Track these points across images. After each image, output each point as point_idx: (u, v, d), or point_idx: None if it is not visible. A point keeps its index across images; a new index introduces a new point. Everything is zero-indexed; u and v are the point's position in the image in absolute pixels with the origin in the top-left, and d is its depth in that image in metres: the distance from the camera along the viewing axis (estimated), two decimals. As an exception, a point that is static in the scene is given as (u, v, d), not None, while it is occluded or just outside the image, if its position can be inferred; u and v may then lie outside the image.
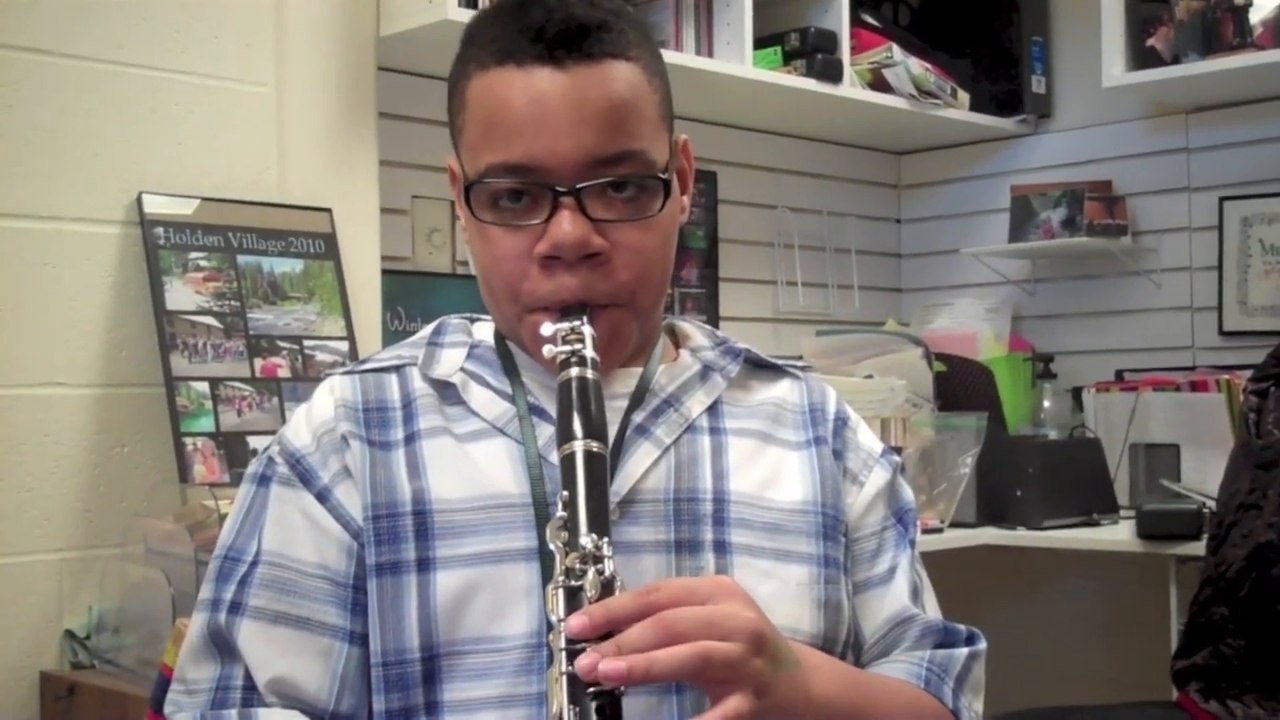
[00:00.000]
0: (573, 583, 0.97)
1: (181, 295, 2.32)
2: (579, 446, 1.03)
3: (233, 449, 2.25)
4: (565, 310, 1.11)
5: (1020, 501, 3.09)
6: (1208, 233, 3.53)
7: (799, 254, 3.76)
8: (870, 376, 3.28)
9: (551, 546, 0.99)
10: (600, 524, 0.99)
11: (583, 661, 0.91)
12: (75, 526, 2.24)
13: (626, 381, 1.18)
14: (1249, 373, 2.73)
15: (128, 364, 2.30)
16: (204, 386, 2.28)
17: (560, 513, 1.00)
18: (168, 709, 1.13)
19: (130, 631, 2.11)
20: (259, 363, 2.35)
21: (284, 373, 2.37)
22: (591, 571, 0.97)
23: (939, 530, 2.99)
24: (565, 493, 1.01)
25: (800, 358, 3.48)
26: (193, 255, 2.35)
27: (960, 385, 3.36)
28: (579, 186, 1.10)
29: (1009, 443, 3.22)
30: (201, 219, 2.38)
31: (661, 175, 1.13)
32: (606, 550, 0.98)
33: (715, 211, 3.59)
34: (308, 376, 2.38)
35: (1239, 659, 2.50)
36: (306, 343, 2.42)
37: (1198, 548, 2.74)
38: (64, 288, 2.26)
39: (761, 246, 3.71)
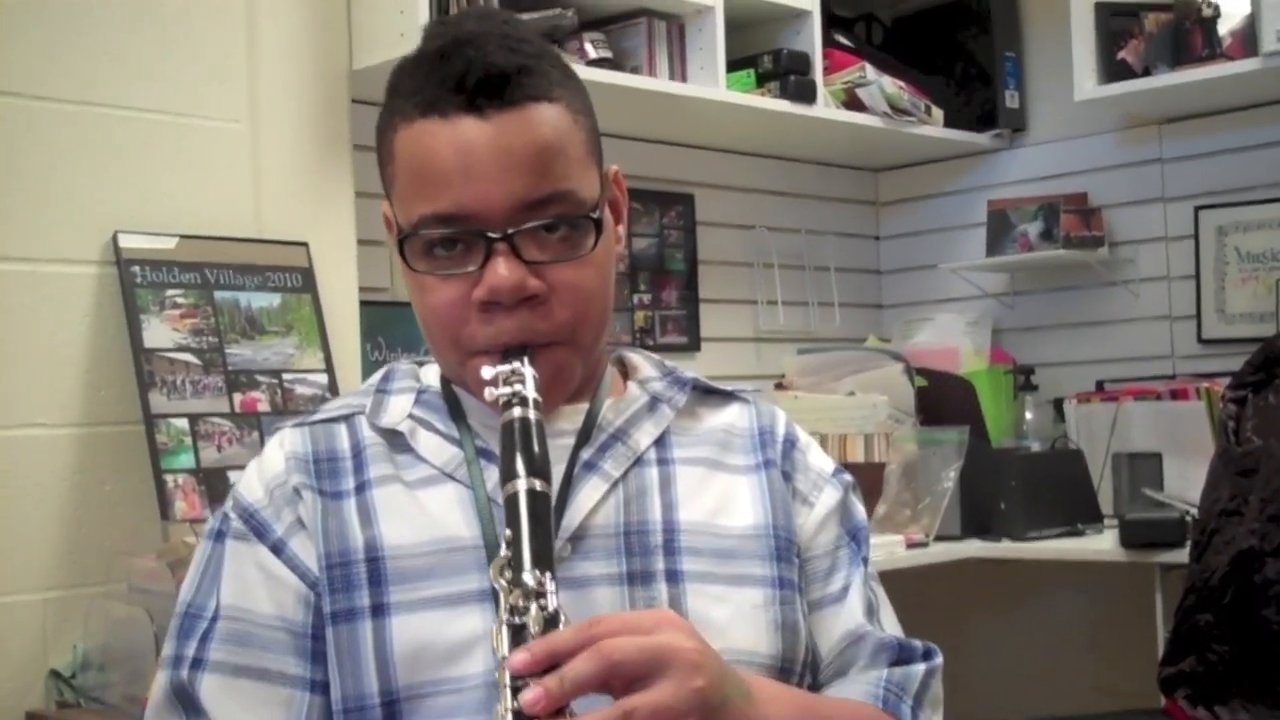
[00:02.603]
0: (516, 620, 0.98)
1: (159, 333, 2.32)
2: (522, 485, 1.04)
3: (213, 484, 2.25)
4: (506, 352, 1.12)
5: (1004, 513, 3.09)
6: (1184, 242, 3.55)
7: (778, 273, 3.78)
8: (852, 393, 3.30)
9: (495, 585, 1.00)
10: (544, 561, 1.00)
11: (526, 697, 0.92)
12: (58, 566, 2.24)
13: (573, 418, 1.20)
14: (1228, 380, 2.75)
15: (107, 402, 2.31)
16: (183, 423, 2.29)
17: (504, 551, 1.01)
18: None
19: (115, 669, 2.11)
20: (238, 398, 2.36)
21: (264, 407, 2.38)
22: (534, 608, 0.98)
23: (924, 545, 2.99)
24: (509, 531, 1.02)
25: (782, 376, 3.50)
26: (169, 292, 2.36)
27: (942, 399, 3.38)
28: (511, 232, 1.11)
29: (991, 455, 3.24)
30: (178, 256, 2.39)
31: (592, 214, 1.14)
32: (550, 586, 0.99)
33: (694, 233, 3.61)
34: (287, 410, 2.38)
35: (1225, 665, 2.51)
36: (286, 376, 2.43)
37: (1182, 555, 2.75)
38: (42, 328, 2.27)
39: (741, 267, 3.73)
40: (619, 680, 0.94)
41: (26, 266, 2.27)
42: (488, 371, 1.11)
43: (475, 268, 1.12)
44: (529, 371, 1.11)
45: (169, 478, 2.23)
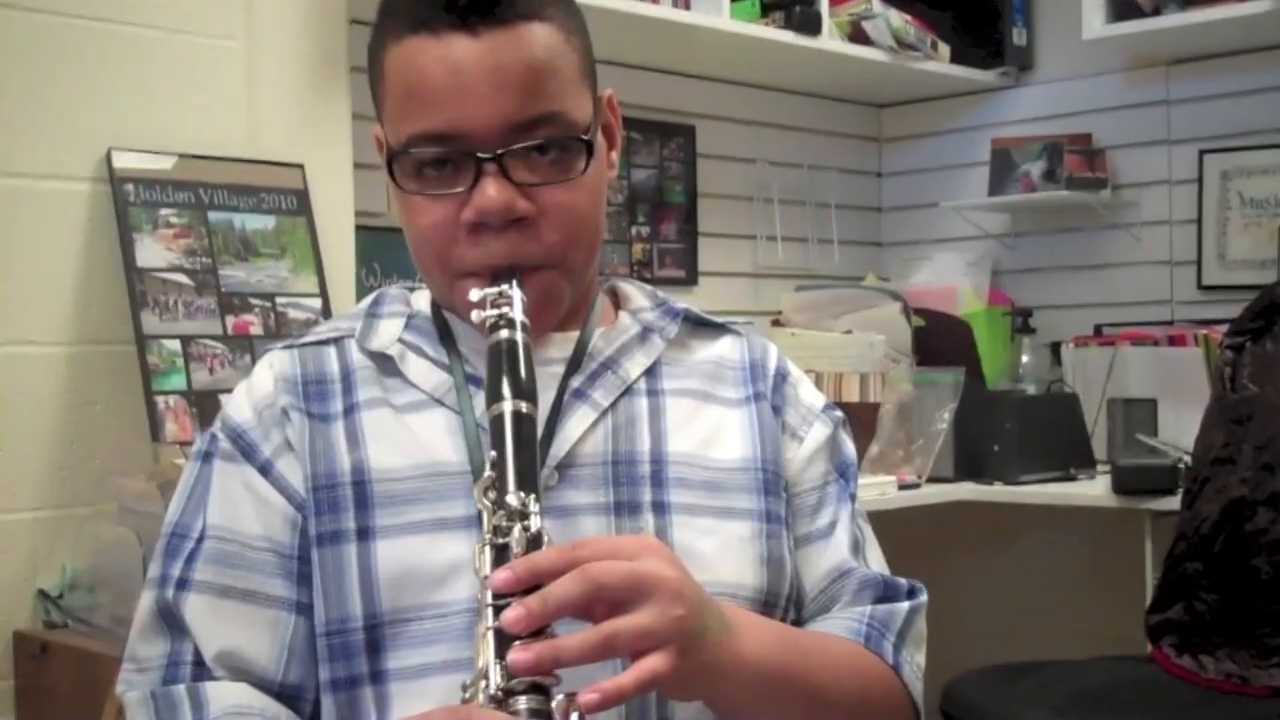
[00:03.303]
0: (499, 540, 0.97)
1: (152, 252, 2.30)
2: (507, 407, 1.03)
3: (204, 407, 2.24)
4: (495, 275, 1.11)
5: (997, 456, 3.09)
6: (1187, 186, 3.52)
7: (779, 208, 3.75)
8: (849, 332, 3.29)
9: (479, 506, 1.00)
10: (528, 482, 1.00)
11: (508, 615, 0.92)
12: (48, 486, 2.23)
13: (563, 346, 1.19)
14: (1227, 327, 2.74)
15: (98, 322, 2.29)
16: (175, 344, 2.27)
17: (489, 473, 1.01)
18: (119, 688, 1.14)
19: (103, 590, 2.11)
20: (231, 320, 2.34)
21: (256, 330, 2.36)
22: (518, 528, 0.97)
23: (916, 485, 2.99)
24: (494, 453, 1.01)
25: (779, 313, 3.48)
26: (163, 212, 2.34)
27: (939, 340, 3.36)
28: (500, 152, 1.09)
29: (987, 397, 3.23)
30: (172, 175, 2.36)
31: (584, 136, 1.13)
32: (534, 508, 0.99)
33: (694, 166, 3.58)
34: (280, 333, 2.37)
35: (1212, 614, 2.52)
36: (279, 299, 2.41)
37: (1173, 503, 2.76)
38: (33, 246, 2.24)
39: (741, 201, 3.70)
40: (601, 604, 0.94)
41: (18, 182, 2.24)
42: (475, 294, 1.11)
43: (464, 188, 1.11)
44: (517, 294, 1.10)
45: (160, 399, 2.22)
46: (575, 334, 1.19)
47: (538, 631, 0.92)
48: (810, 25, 3.25)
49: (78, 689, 2.04)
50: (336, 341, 1.21)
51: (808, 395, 1.27)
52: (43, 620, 2.19)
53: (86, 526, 2.19)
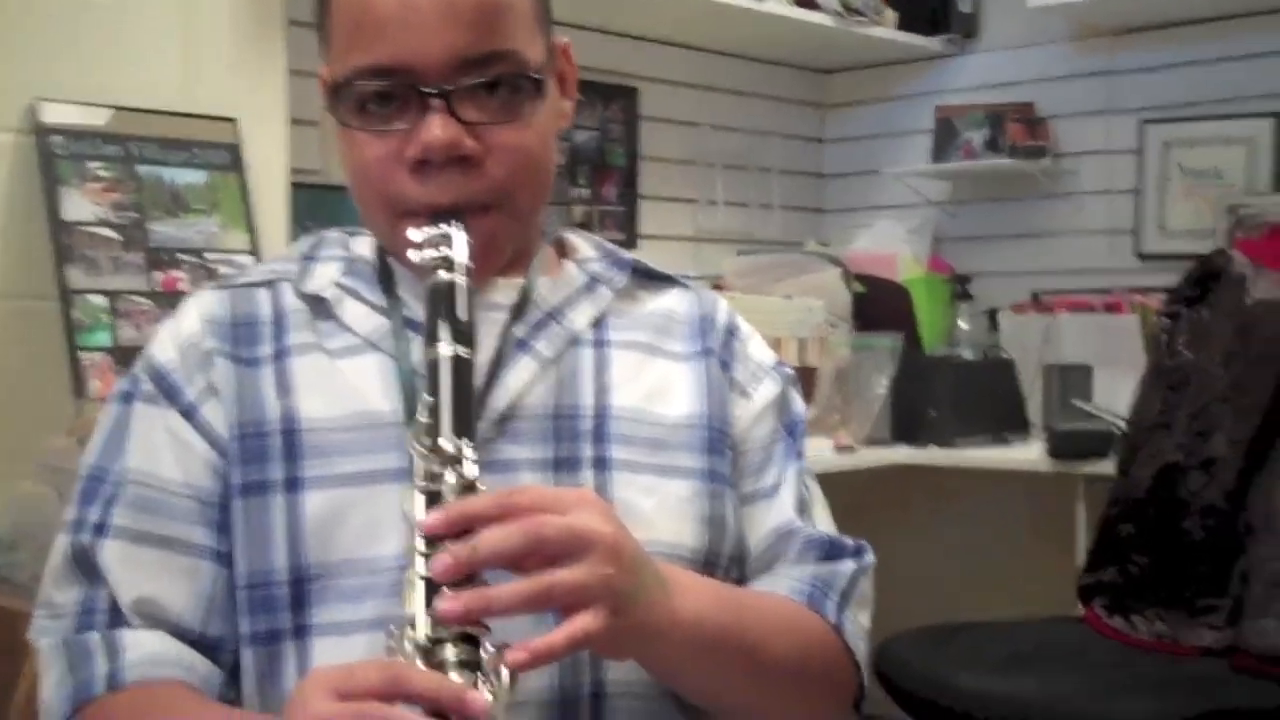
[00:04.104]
0: (432, 486, 0.94)
1: (79, 206, 2.25)
2: (444, 351, 1.00)
3: (130, 364, 2.18)
4: (437, 215, 1.07)
5: (934, 421, 3.10)
6: (1128, 156, 3.54)
7: (720, 172, 3.73)
8: (789, 297, 3.28)
9: (411, 452, 0.96)
10: (463, 428, 0.96)
11: (436, 562, 0.89)
12: (-31, 444, 2.18)
13: (507, 293, 1.15)
14: (1165, 295, 2.75)
15: (20, 276, 2.23)
16: (102, 300, 2.22)
17: (423, 417, 0.97)
18: (32, 634, 1.10)
19: (23, 548, 2.06)
20: (159, 276, 2.29)
21: (185, 286, 2.30)
22: (451, 474, 0.94)
23: (852, 449, 2.99)
24: (428, 397, 0.98)
25: (720, 277, 3.47)
26: (91, 165, 2.28)
27: (878, 306, 3.37)
28: (449, 88, 1.06)
29: (924, 363, 3.24)
30: (100, 128, 2.30)
31: (534, 75, 1.09)
32: (469, 454, 0.95)
33: (636, 128, 3.55)
34: (211, 290, 2.32)
35: (1144, 576, 2.54)
36: (209, 256, 2.36)
37: (1107, 467, 2.78)
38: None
39: (682, 165, 3.68)
40: (534, 557, 0.91)
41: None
42: (415, 234, 1.07)
43: (409, 125, 1.07)
44: (459, 235, 1.06)
45: (84, 355, 2.17)
46: (519, 281, 1.15)
47: (469, 579, 0.89)
48: (757, -13, 3.23)
49: (1, 644, 2.00)
50: (270, 284, 1.16)
51: (757, 351, 1.24)
52: (-36, 581, 2.14)
53: (7, 484, 2.14)
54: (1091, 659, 2.45)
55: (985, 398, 3.17)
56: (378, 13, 1.05)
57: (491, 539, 0.89)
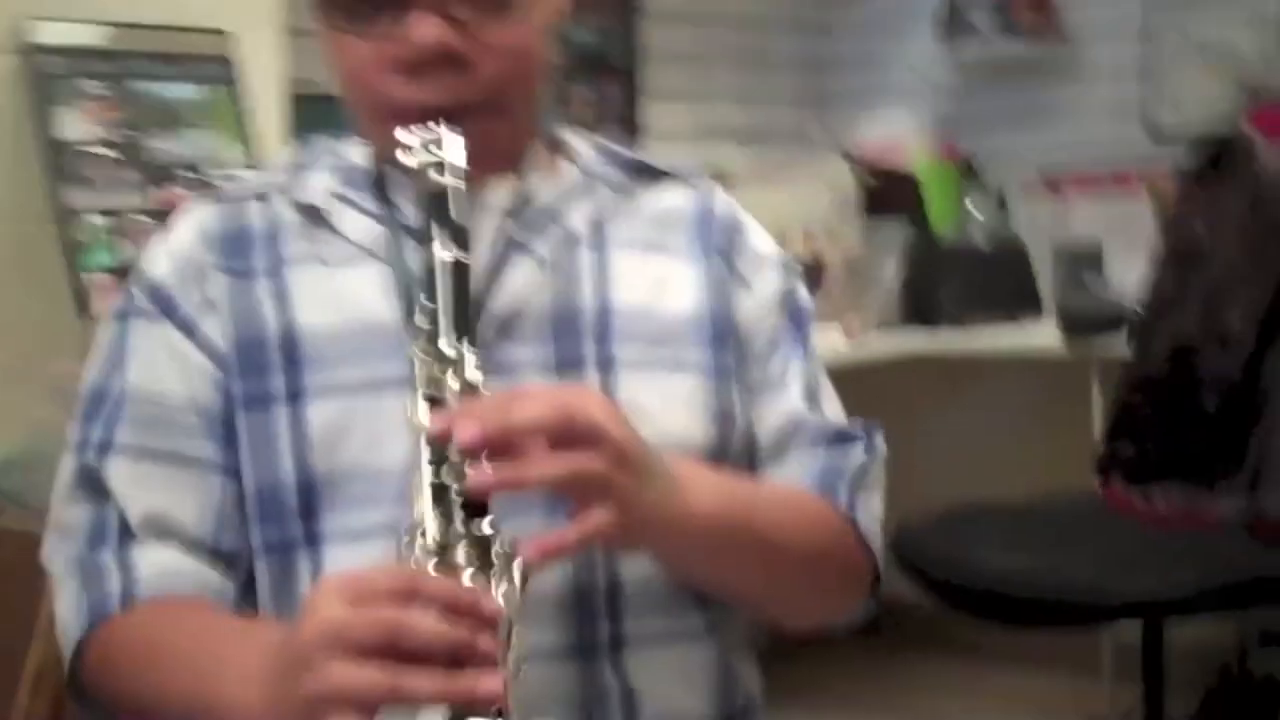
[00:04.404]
0: (433, 390, 0.93)
1: (72, 126, 2.22)
2: (440, 255, 0.98)
3: (133, 282, 2.19)
4: (429, 117, 1.05)
5: (945, 305, 3.10)
6: (1138, 33, 3.48)
7: (724, 66, 3.68)
8: (796, 188, 3.25)
9: (412, 357, 0.95)
10: (463, 331, 0.96)
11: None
12: (-28, 369, 2.18)
13: (503, 194, 1.13)
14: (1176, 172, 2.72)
15: (17, 199, 2.21)
16: (100, 219, 2.20)
17: (421, 321, 0.96)
18: (44, 556, 1.11)
19: (37, 471, 2.05)
20: (158, 193, 2.28)
21: (184, 202, 2.29)
22: (452, 377, 0.93)
23: (865, 337, 2.99)
24: (426, 302, 0.97)
25: (726, 171, 3.43)
26: (83, 83, 2.25)
27: (887, 194, 3.34)
28: None
29: (934, 248, 3.22)
30: (92, 45, 2.27)
31: None
32: (470, 357, 0.94)
33: (636, 25, 3.50)
34: (211, 206, 2.30)
35: (1161, 450, 2.53)
36: (207, 171, 2.34)
37: (1121, 346, 2.77)
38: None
39: (685, 60, 3.63)
40: (554, 441, 0.90)
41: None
42: (407, 136, 1.04)
43: (396, 24, 1.04)
44: (452, 137, 1.04)
45: (86, 276, 2.16)
46: (515, 181, 1.13)
47: (476, 507, 0.88)
48: None
49: (19, 569, 2.00)
50: (262, 195, 1.15)
51: (760, 243, 1.22)
52: (-21, 505, 2.15)
53: (17, 408, 2.14)
54: (1111, 533, 2.46)
55: (997, 280, 3.15)
56: None
57: (525, 410, 0.89)
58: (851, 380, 2.35)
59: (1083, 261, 3.16)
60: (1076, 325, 2.90)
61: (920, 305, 3.10)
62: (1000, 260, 3.23)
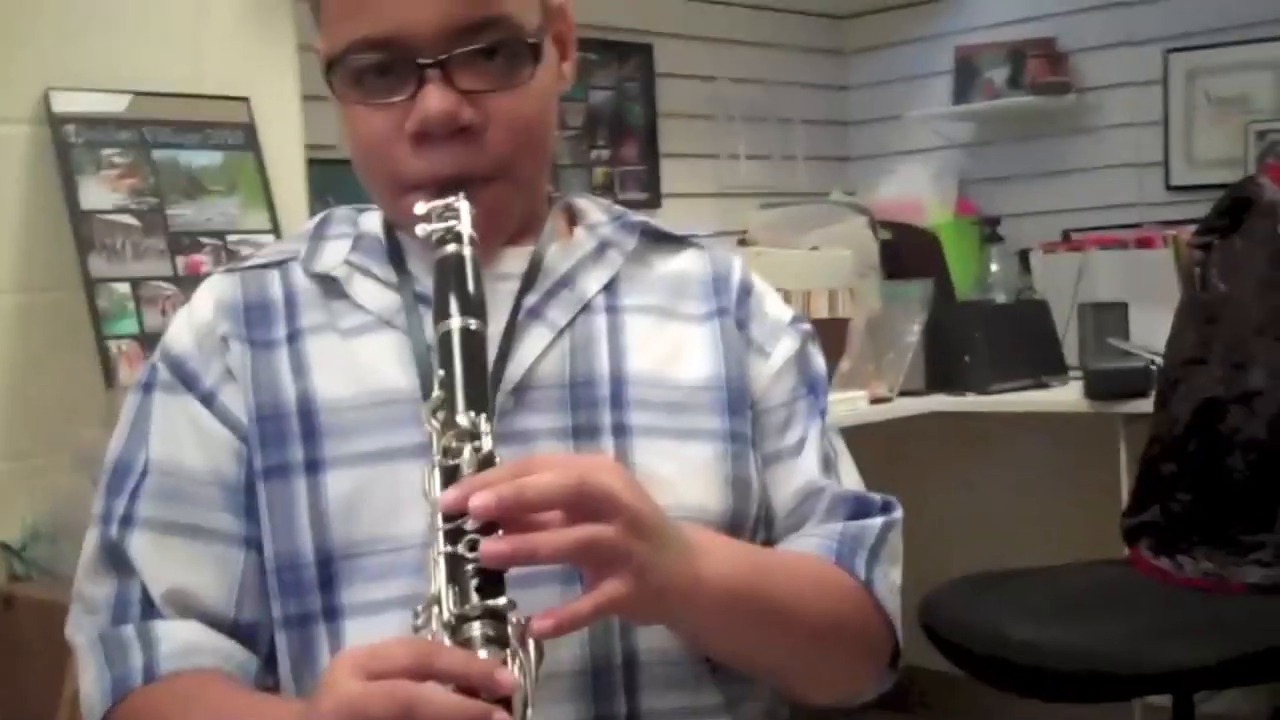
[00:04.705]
0: (449, 461, 0.93)
1: (96, 194, 2.24)
2: (454, 324, 0.99)
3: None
4: (441, 187, 1.06)
5: (969, 367, 3.08)
6: (1153, 87, 3.48)
7: (741, 126, 3.70)
8: (816, 248, 3.25)
9: (427, 427, 0.95)
10: (478, 402, 0.95)
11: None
12: (2, 437, 2.19)
13: (517, 261, 1.13)
14: (1196, 227, 2.71)
15: (44, 268, 2.23)
16: (125, 287, 2.21)
17: (437, 392, 0.96)
18: (69, 630, 1.11)
19: (64, 540, 2.07)
20: (181, 260, 2.29)
21: (207, 269, 2.30)
22: (468, 449, 0.93)
23: (888, 399, 2.97)
24: (441, 372, 0.97)
25: (745, 232, 3.44)
26: (106, 152, 2.27)
27: (907, 253, 3.34)
28: (444, 57, 1.04)
29: (956, 308, 3.21)
30: (114, 114, 2.30)
31: (530, 39, 1.07)
32: (485, 428, 0.94)
33: (653, 85, 3.52)
34: (234, 272, 2.32)
35: (1188, 514, 2.51)
36: (230, 237, 2.35)
37: (1146, 405, 2.75)
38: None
39: (702, 120, 3.64)
40: (573, 512, 0.90)
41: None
42: (421, 207, 1.05)
43: (407, 96, 1.05)
44: (465, 207, 1.05)
45: (112, 344, 2.17)
46: (528, 250, 1.14)
47: (490, 581, 0.88)
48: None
49: (45, 639, 2.01)
50: (280, 265, 1.15)
51: (774, 308, 1.22)
52: (7, 573, 2.15)
53: (44, 476, 2.15)
54: (1139, 602, 2.43)
55: (1020, 341, 3.14)
56: None
57: (539, 481, 0.89)
58: (875, 442, 2.35)
59: (1106, 320, 3.15)
60: (1101, 386, 2.88)
61: (943, 366, 3.08)
62: (1023, 319, 3.21)
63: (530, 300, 1.12)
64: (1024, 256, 3.50)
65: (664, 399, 1.11)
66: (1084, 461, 3.20)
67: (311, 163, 2.60)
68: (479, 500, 0.87)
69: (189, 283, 2.28)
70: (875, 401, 2.94)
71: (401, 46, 1.04)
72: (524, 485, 0.88)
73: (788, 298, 3.01)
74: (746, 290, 1.21)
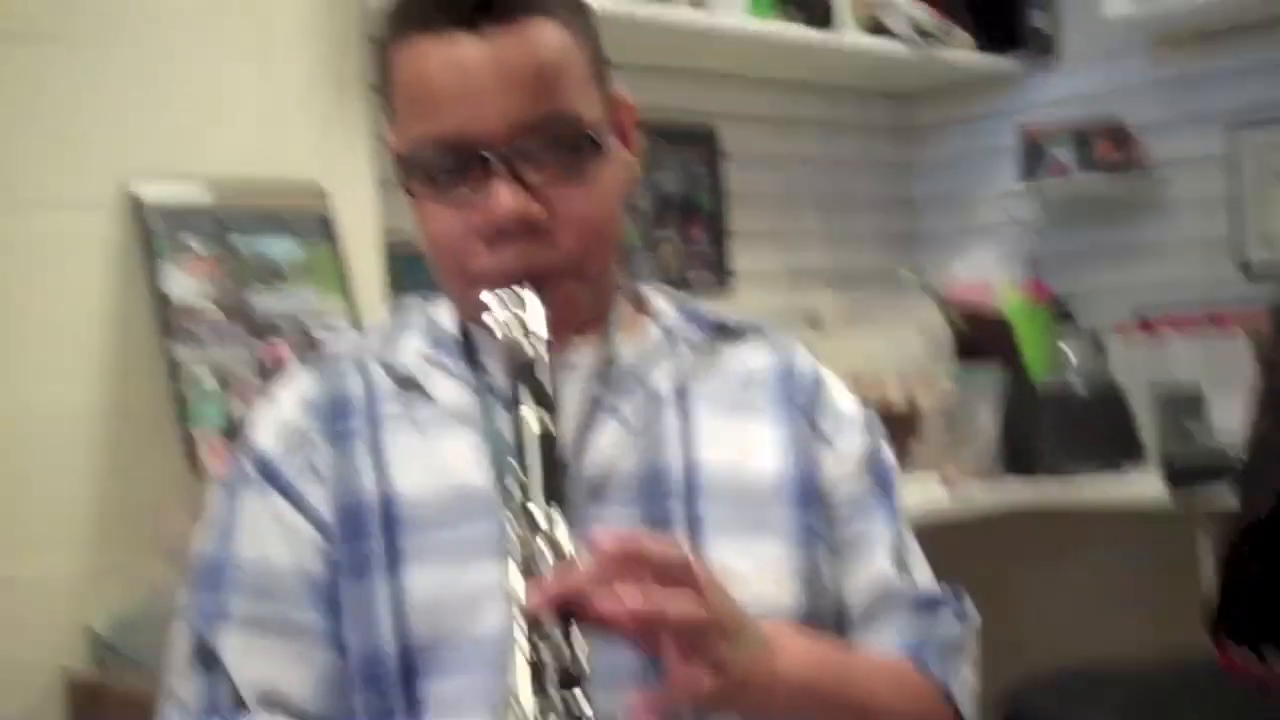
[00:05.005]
0: (525, 555, 0.95)
1: (180, 283, 2.28)
2: (527, 418, 1.01)
3: (240, 438, 2.21)
4: (511, 282, 1.08)
5: (1044, 452, 3.05)
6: (1223, 164, 3.45)
7: (809, 207, 3.71)
8: (886, 331, 3.25)
9: (503, 521, 0.97)
10: (553, 496, 0.97)
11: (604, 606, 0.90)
12: (91, 527, 2.22)
13: (587, 354, 1.16)
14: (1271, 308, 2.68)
15: (127, 355, 2.27)
16: (208, 376, 2.25)
17: (512, 486, 0.98)
18: None
19: (151, 630, 2.07)
20: (262, 347, 2.32)
21: (288, 357, 2.34)
22: (544, 543, 0.95)
23: (962, 485, 2.95)
24: (516, 466, 0.99)
25: (814, 314, 3.44)
26: (189, 241, 2.32)
27: (979, 336, 3.32)
28: (509, 154, 1.07)
29: (1030, 392, 3.18)
30: (196, 204, 2.35)
31: (594, 135, 1.10)
32: (560, 521, 0.96)
33: (720, 168, 3.54)
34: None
35: (1273, 611, 2.46)
36: (309, 325, 2.39)
37: (1227, 493, 2.70)
38: (59, 282, 2.23)
39: (770, 201, 3.66)
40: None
41: (43, 216, 2.23)
42: (491, 302, 1.08)
43: (476, 193, 1.08)
44: (535, 303, 1.07)
45: (196, 432, 2.20)
46: (598, 341, 1.16)
47: (571, 679, 0.89)
48: (825, 18, 3.24)
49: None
50: (359, 361, 1.19)
51: (842, 401, 1.23)
52: (95, 663, 2.17)
53: (133, 567, 2.17)
54: (1228, 700, 2.38)
55: (1096, 425, 3.11)
56: (435, 84, 1.07)
57: (608, 606, 0.90)
58: (950, 532, 2.33)
59: (1183, 406, 3.11)
60: (1180, 474, 2.84)
61: (1018, 453, 3.06)
62: (1099, 405, 3.18)
63: (601, 393, 1.14)
64: (1096, 337, 3.47)
65: (735, 493, 1.13)
66: (1164, 550, 3.15)
67: (388, 250, 2.63)
68: (556, 598, 0.89)
69: (271, 371, 2.30)
70: (949, 487, 2.91)
71: (469, 144, 1.07)
72: (634, 611, 0.90)
73: (858, 381, 3.05)
74: (815, 383, 1.22)
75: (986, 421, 3.01)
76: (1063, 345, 3.45)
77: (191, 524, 2.05)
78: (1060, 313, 3.52)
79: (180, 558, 2.02)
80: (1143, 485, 2.98)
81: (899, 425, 2.85)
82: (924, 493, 2.81)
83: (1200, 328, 3.26)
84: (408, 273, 2.77)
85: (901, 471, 1.25)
